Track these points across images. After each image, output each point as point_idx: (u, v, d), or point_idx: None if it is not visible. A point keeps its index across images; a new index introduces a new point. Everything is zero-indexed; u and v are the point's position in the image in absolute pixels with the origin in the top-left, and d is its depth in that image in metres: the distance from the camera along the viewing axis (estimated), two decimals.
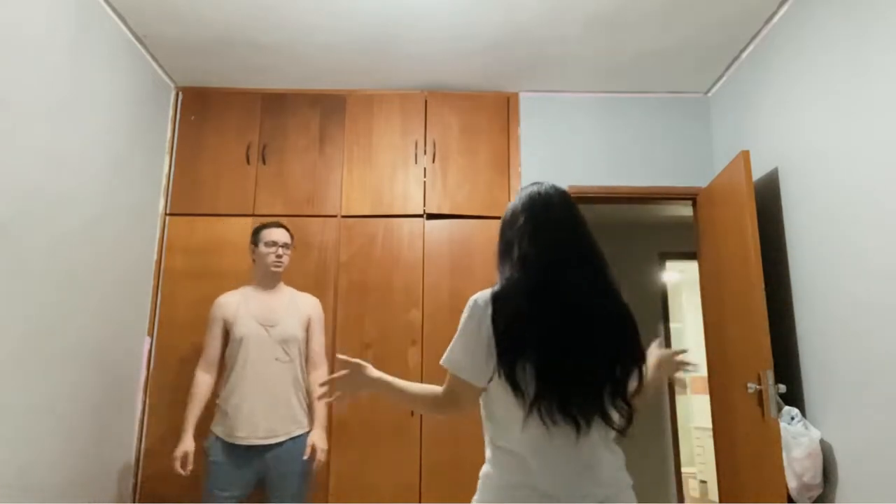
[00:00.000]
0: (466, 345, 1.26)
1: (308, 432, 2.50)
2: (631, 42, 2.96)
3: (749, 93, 2.97)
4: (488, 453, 1.28)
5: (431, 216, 3.25)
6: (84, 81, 2.52)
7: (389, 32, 2.89)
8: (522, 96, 3.44)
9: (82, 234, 2.51)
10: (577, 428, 1.18)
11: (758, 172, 2.79)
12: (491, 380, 1.24)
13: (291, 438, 2.45)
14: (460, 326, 1.28)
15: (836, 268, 2.28)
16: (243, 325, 2.49)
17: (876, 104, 2.08)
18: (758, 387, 2.49)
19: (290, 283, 2.72)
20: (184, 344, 3.02)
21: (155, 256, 3.16)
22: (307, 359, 2.60)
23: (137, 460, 2.97)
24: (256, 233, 2.64)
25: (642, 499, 1.28)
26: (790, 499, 2.32)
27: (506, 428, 1.23)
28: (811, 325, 2.45)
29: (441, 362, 1.30)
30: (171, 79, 3.33)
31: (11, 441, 2.10)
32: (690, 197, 3.34)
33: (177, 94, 3.38)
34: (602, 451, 1.23)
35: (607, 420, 1.20)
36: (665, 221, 4.86)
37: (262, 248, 2.59)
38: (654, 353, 1.52)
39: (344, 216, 3.24)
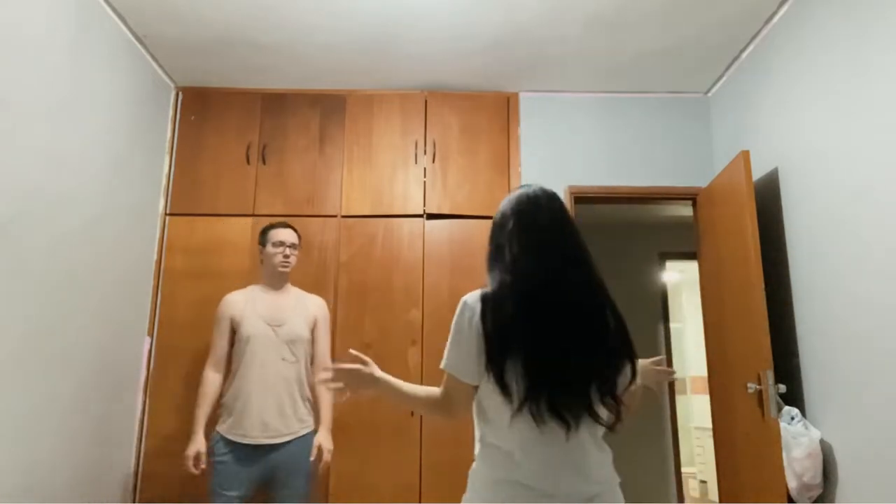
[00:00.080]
0: (457, 344, 1.28)
1: (313, 432, 2.51)
2: (631, 42, 2.96)
3: (749, 93, 2.97)
4: (477, 450, 1.30)
5: (431, 216, 3.25)
6: (84, 81, 2.52)
7: (389, 32, 2.89)
8: (522, 96, 3.44)
9: (82, 234, 2.51)
10: (567, 427, 1.19)
11: (758, 172, 2.79)
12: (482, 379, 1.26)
13: (297, 438, 2.45)
14: (452, 327, 1.30)
15: (836, 268, 2.28)
16: (250, 324, 2.49)
17: (876, 104, 2.08)
18: (758, 387, 2.49)
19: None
20: (184, 344, 3.03)
21: (155, 256, 3.16)
22: (312, 359, 2.60)
23: (137, 460, 2.97)
24: (264, 233, 2.64)
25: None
26: (790, 499, 2.32)
27: (496, 425, 1.25)
28: (811, 325, 2.45)
29: (441, 366, 1.32)
30: (171, 79, 3.33)
31: (11, 441, 2.10)
32: (690, 197, 3.34)
33: (177, 94, 3.38)
34: (591, 448, 1.24)
35: (596, 417, 1.22)
36: (665, 221, 4.86)
37: (270, 249, 2.59)
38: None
39: (344, 216, 3.25)
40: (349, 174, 3.30)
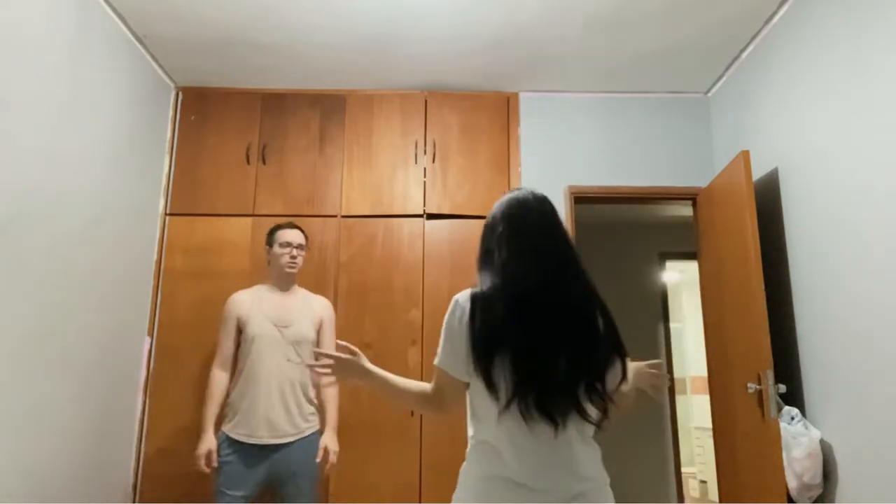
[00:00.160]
0: (449, 341, 1.30)
1: (318, 431, 2.52)
2: (631, 42, 2.96)
3: (749, 93, 2.97)
4: (469, 448, 1.31)
5: (431, 216, 3.25)
6: (84, 81, 2.52)
7: (389, 32, 2.89)
8: (522, 96, 3.44)
9: (82, 234, 2.51)
10: (555, 425, 1.20)
11: (758, 172, 2.79)
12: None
13: (302, 438, 2.46)
14: (443, 324, 1.32)
15: (836, 268, 2.28)
16: (256, 324, 2.50)
17: (876, 104, 2.08)
18: (758, 387, 2.49)
19: None
20: (184, 344, 3.03)
21: (155, 256, 3.16)
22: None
23: (137, 460, 2.97)
24: (271, 234, 2.64)
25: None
26: (790, 499, 2.32)
27: (485, 423, 1.26)
28: (811, 325, 2.45)
29: (434, 362, 1.34)
30: (171, 79, 3.33)
31: (12, 441, 2.10)
32: (690, 197, 3.34)
33: (177, 94, 3.38)
34: (579, 446, 1.25)
35: (584, 415, 1.22)
36: (665, 221, 4.86)
37: (277, 249, 2.59)
38: (630, 365, 1.53)
39: (344, 216, 3.25)
40: (349, 174, 3.30)
